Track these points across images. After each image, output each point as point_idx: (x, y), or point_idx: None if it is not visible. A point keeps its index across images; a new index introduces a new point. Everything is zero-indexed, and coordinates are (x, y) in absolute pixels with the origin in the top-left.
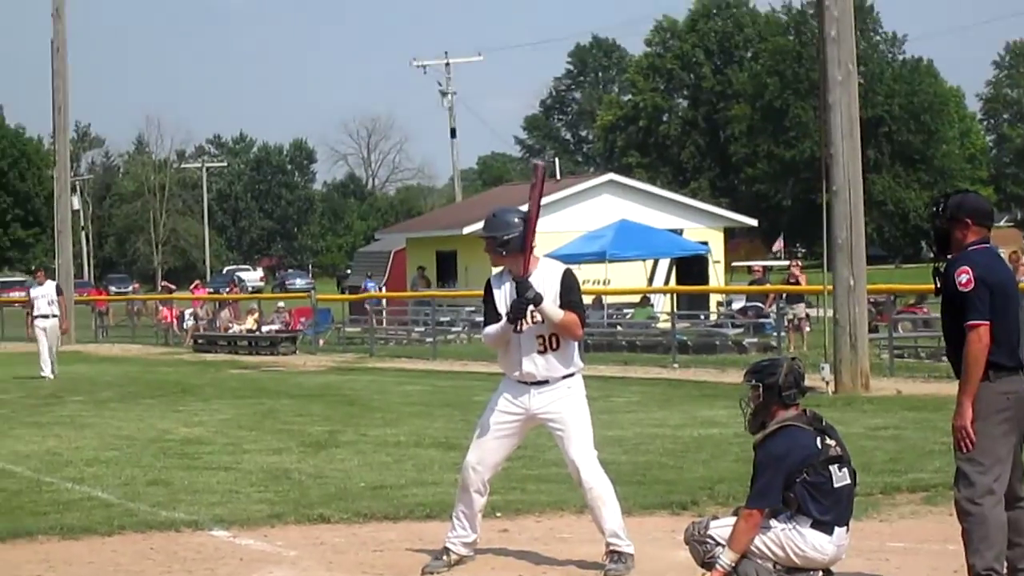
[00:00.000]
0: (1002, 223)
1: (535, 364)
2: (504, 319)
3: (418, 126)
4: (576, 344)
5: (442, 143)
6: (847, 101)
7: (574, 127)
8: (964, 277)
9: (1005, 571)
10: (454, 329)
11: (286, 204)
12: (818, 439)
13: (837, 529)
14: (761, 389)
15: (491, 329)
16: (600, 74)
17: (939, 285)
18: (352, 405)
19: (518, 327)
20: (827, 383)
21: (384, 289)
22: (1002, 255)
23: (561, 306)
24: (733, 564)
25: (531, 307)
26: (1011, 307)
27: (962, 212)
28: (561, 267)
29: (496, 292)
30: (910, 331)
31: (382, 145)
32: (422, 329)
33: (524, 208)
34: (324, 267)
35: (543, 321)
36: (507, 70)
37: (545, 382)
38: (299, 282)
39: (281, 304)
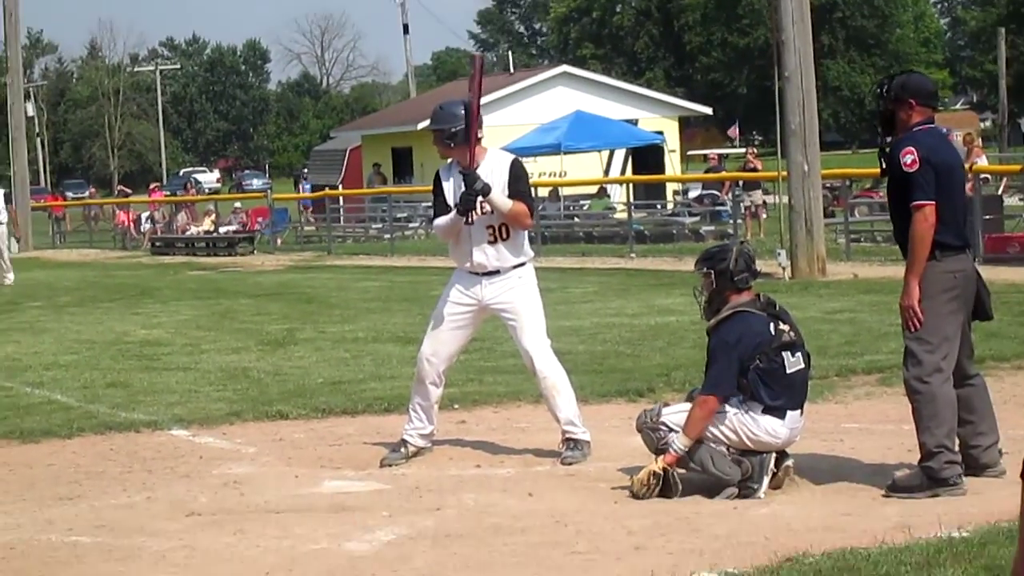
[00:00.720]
0: (958, 106)
1: (485, 254)
2: (453, 211)
3: (371, 23)
4: (526, 233)
5: (395, 40)
6: None
7: (528, 20)
8: (909, 158)
9: (956, 448)
10: (411, 225)
11: (241, 105)
12: (771, 324)
13: (790, 413)
14: (713, 275)
15: (441, 220)
16: None
17: (884, 166)
18: (310, 303)
19: (468, 219)
20: (784, 268)
21: (340, 187)
22: (955, 137)
23: (509, 196)
24: (686, 448)
25: (480, 198)
26: (956, 187)
27: (906, 93)
28: (509, 157)
29: (445, 184)
30: (866, 215)
31: (336, 43)
32: (379, 226)
33: (469, 100)
34: (280, 167)
35: (492, 212)
36: None
37: (496, 272)
38: (256, 182)
39: (238, 205)
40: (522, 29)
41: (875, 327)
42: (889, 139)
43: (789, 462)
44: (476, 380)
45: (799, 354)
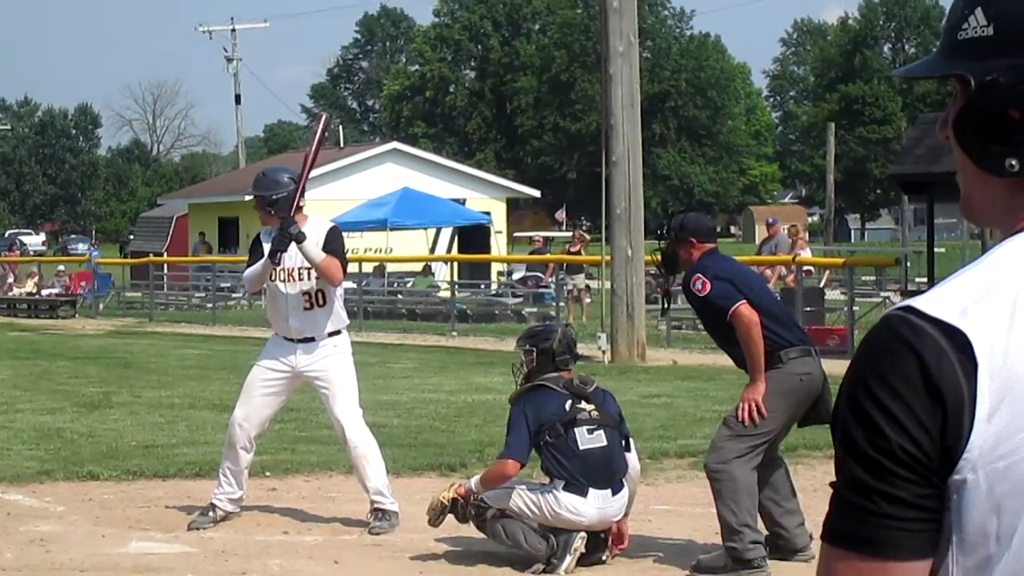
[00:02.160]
0: (786, 200)
1: (301, 321)
2: (265, 255)
3: (204, 92)
4: (342, 301)
5: (228, 110)
6: (628, 72)
7: (361, 96)
8: (699, 283)
9: (760, 529)
10: (235, 295)
11: (70, 169)
12: (568, 402)
13: (593, 491)
14: (535, 354)
15: (251, 268)
16: (388, 44)
17: (666, 306)
18: (128, 368)
19: (276, 259)
20: (604, 352)
21: (165, 255)
22: (781, 228)
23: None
24: (478, 491)
25: (293, 243)
26: (762, 289)
27: (686, 232)
28: (328, 224)
29: (265, 245)
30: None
31: (168, 111)
32: (202, 295)
33: (294, 169)
34: (108, 233)
35: (307, 278)
36: (294, 38)
37: (311, 339)
38: (82, 247)
39: (61, 268)
40: (355, 105)
41: (691, 412)
42: (671, 276)
43: (604, 555)
44: (289, 449)
45: (600, 432)
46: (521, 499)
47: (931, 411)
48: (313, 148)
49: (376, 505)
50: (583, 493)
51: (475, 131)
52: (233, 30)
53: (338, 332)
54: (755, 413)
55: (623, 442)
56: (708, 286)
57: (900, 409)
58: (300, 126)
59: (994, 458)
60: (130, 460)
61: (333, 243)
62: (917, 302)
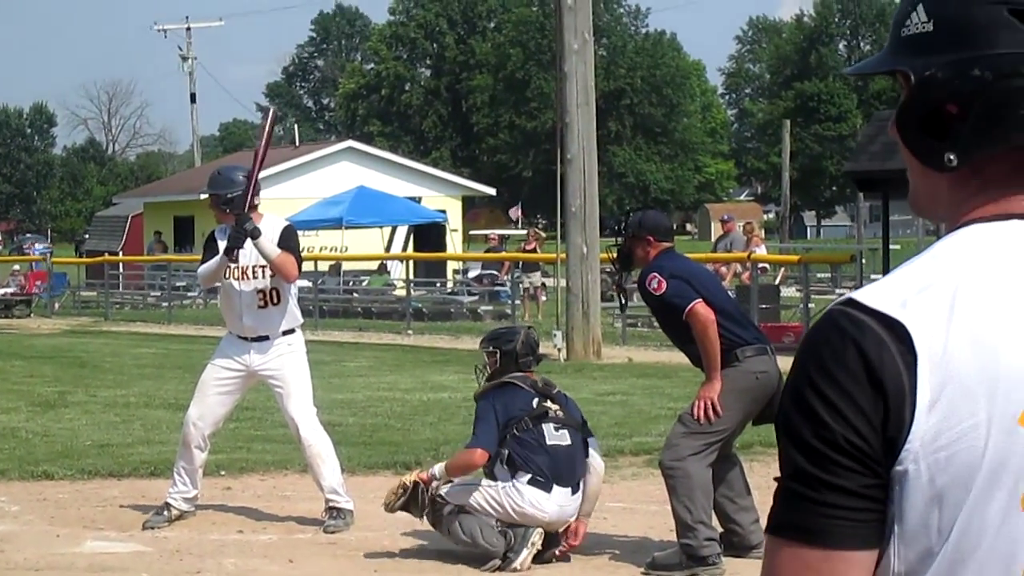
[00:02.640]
0: (742, 197)
1: (255, 319)
2: (220, 252)
3: (159, 91)
4: (295, 300)
5: (183, 109)
6: (583, 70)
7: (316, 95)
8: (654, 282)
9: (715, 526)
10: (190, 294)
11: (25, 168)
12: (536, 399)
13: (557, 488)
14: (498, 355)
15: (206, 265)
16: (343, 42)
17: (624, 302)
18: (84, 367)
19: (233, 255)
20: (559, 350)
21: (121, 254)
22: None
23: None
24: (441, 477)
25: (248, 239)
26: (717, 289)
27: (643, 230)
28: (283, 222)
29: (219, 242)
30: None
31: (123, 110)
32: (158, 293)
33: (248, 167)
34: (63, 232)
35: (262, 276)
36: (249, 36)
37: (266, 338)
38: (37, 247)
39: (16, 267)
40: (310, 103)
41: (646, 410)
42: (627, 272)
43: (557, 551)
44: (244, 448)
45: (565, 432)
46: (482, 495)
47: (873, 402)
48: (263, 143)
49: (331, 504)
50: (547, 489)
51: (431, 129)
52: (188, 28)
53: (292, 331)
54: (711, 411)
55: (585, 445)
56: (664, 285)
57: (842, 400)
58: (256, 124)
59: (935, 449)
60: (85, 459)
61: (288, 240)
62: (859, 295)
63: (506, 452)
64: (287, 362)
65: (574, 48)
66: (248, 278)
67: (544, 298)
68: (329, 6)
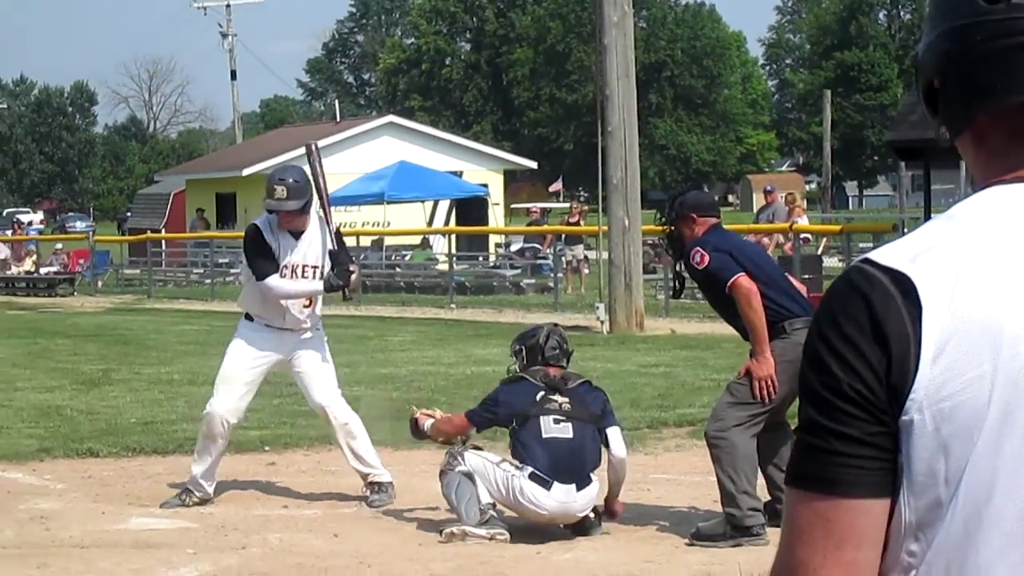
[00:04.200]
0: (783, 168)
1: (299, 317)
2: (311, 282)
3: (200, 69)
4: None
5: (224, 86)
6: (623, 42)
7: (357, 70)
8: (697, 256)
9: (759, 497)
10: (233, 271)
11: (67, 147)
12: (541, 393)
13: (557, 485)
14: (524, 352)
15: (287, 286)
16: (383, 17)
17: (678, 288)
18: (127, 345)
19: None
20: (602, 322)
21: (163, 231)
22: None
23: (340, 263)
24: (427, 430)
25: (300, 239)
26: (765, 261)
27: (685, 209)
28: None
29: (270, 241)
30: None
31: (164, 88)
32: (201, 271)
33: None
34: (105, 210)
35: (314, 277)
36: (289, 12)
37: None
38: (80, 225)
39: (59, 246)
40: (351, 79)
41: (689, 381)
42: (681, 262)
43: (598, 529)
44: (288, 423)
45: (567, 425)
46: (494, 474)
47: (878, 353)
48: (321, 179)
49: (371, 478)
50: (547, 486)
51: (471, 103)
52: (228, 5)
53: (318, 328)
54: (769, 390)
55: (601, 437)
56: (707, 259)
57: (848, 350)
58: (297, 101)
59: (939, 399)
60: (129, 437)
61: (346, 250)
62: (874, 253)
63: (512, 444)
64: (313, 347)
65: (614, 20)
66: (298, 277)
67: (587, 271)
68: None
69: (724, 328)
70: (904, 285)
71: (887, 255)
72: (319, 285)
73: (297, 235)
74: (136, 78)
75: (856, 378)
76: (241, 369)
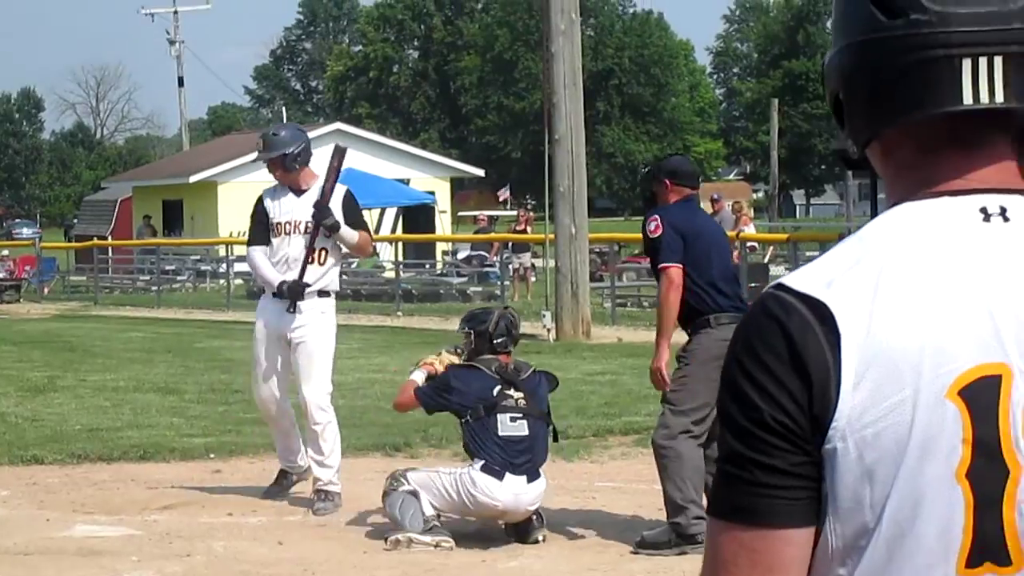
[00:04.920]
0: (731, 176)
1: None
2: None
3: (147, 75)
4: (338, 268)
5: (171, 92)
6: (570, 50)
7: (304, 77)
8: (652, 224)
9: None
10: (179, 278)
11: (13, 153)
12: (497, 387)
13: (510, 476)
14: (473, 336)
15: (262, 269)
16: (331, 24)
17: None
18: (73, 351)
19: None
20: (548, 330)
21: (110, 238)
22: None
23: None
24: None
25: (328, 233)
26: (715, 252)
27: (661, 173)
28: (342, 188)
29: (269, 204)
30: (634, 280)
31: (111, 94)
32: (147, 278)
33: (299, 127)
34: (52, 217)
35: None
36: (237, 19)
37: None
38: (26, 231)
39: (5, 252)
40: (299, 86)
41: (635, 389)
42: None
43: (540, 535)
44: (234, 431)
45: (523, 422)
46: (440, 481)
47: (798, 382)
48: (332, 176)
49: (321, 486)
50: (499, 477)
51: (419, 111)
52: (175, 12)
53: (328, 294)
54: (660, 382)
55: (550, 432)
56: (660, 230)
57: (769, 381)
58: (244, 108)
59: (861, 426)
60: (75, 444)
61: (355, 213)
62: (788, 278)
63: (463, 436)
64: (316, 330)
65: (561, 28)
66: (299, 233)
67: (533, 279)
68: None
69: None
70: (821, 312)
71: (802, 280)
72: (287, 276)
73: (299, 193)
74: (83, 84)
75: (778, 408)
76: (257, 349)
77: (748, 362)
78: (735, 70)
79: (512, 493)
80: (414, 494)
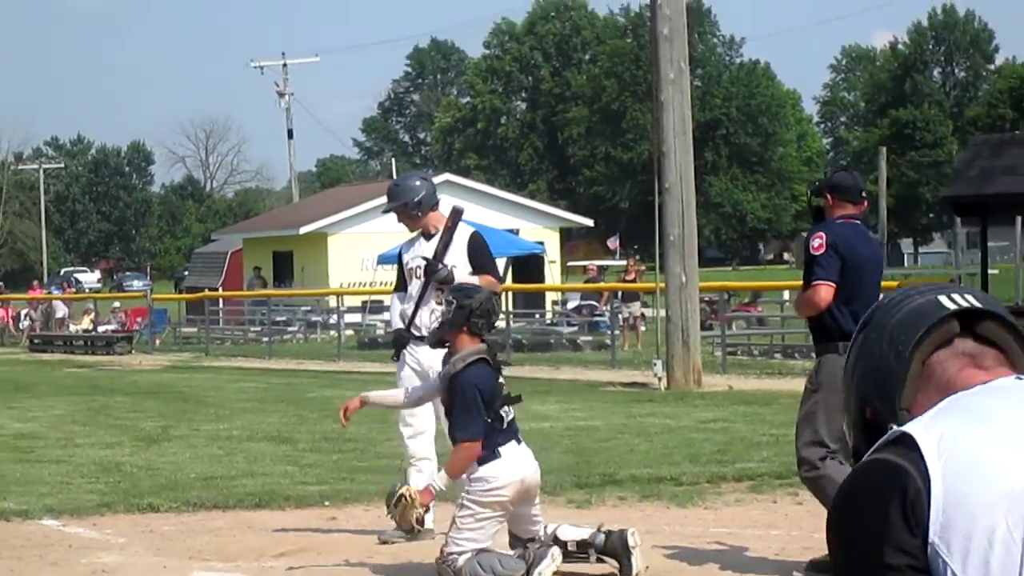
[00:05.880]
0: None
1: (431, 316)
2: (403, 306)
3: (256, 128)
4: None
5: (280, 145)
6: (679, 99)
7: (412, 129)
8: (816, 241)
9: None
10: (290, 329)
11: (124, 206)
12: (499, 379)
13: (501, 450)
14: (454, 306)
15: (393, 312)
16: (439, 76)
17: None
18: (186, 402)
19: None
20: (659, 379)
21: (220, 290)
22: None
23: (474, 270)
24: (445, 487)
25: (440, 287)
26: (867, 281)
27: (825, 187)
28: (468, 231)
29: (405, 256)
30: (743, 329)
31: (220, 147)
32: (258, 328)
33: (422, 174)
34: (162, 269)
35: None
36: (345, 72)
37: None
38: (137, 284)
39: (117, 304)
40: (407, 138)
41: (748, 436)
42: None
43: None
44: (348, 479)
45: (510, 409)
46: (472, 517)
47: (914, 539)
48: (444, 238)
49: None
50: (496, 455)
51: (527, 162)
52: (284, 65)
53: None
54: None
55: None
56: (823, 249)
57: (889, 534)
58: (353, 160)
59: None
60: (190, 492)
61: (481, 255)
62: (886, 448)
63: None
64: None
65: (670, 77)
66: (418, 277)
67: (643, 328)
68: (424, 40)
69: (782, 384)
70: (922, 471)
71: (910, 438)
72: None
73: (428, 237)
74: (193, 137)
75: (909, 557)
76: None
77: (862, 516)
78: (842, 119)
79: (514, 460)
80: (478, 551)
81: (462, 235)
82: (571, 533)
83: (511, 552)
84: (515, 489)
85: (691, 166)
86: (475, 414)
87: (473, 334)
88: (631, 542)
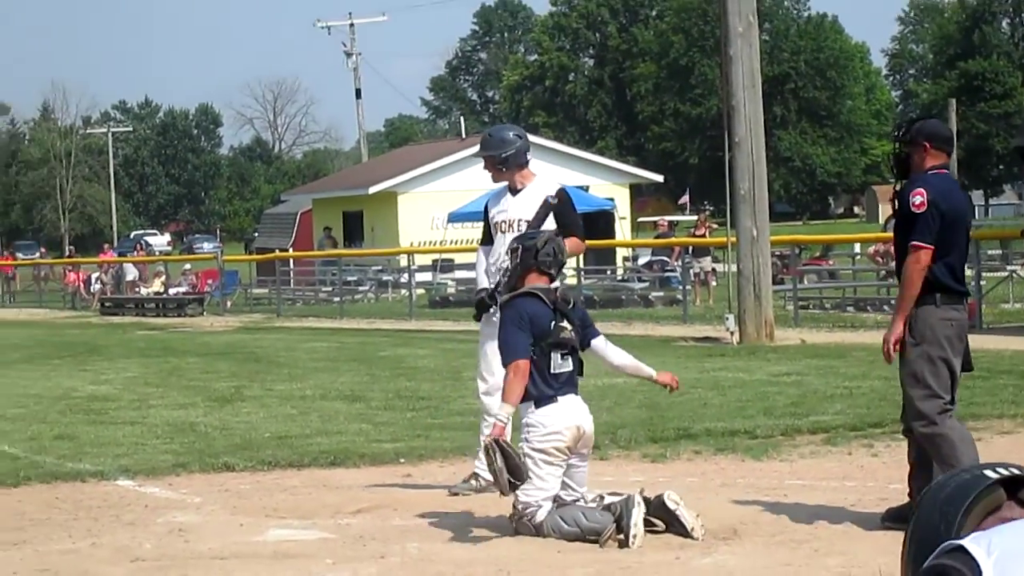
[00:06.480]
0: None
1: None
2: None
3: (324, 88)
4: None
5: (348, 105)
6: (748, 53)
7: (480, 88)
8: (918, 199)
9: None
10: (361, 288)
11: (193, 169)
12: (553, 321)
13: (561, 398)
14: (520, 251)
15: (478, 270)
16: (506, 34)
17: (896, 206)
18: (258, 362)
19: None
20: (732, 333)
21: (291, 250)
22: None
23: (559, 231)
24: (508, 417)
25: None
26: (961, 235)
27: (920, 136)
28: (556, 185)
29: (491, 210)
30: (815, 283)
31: (288, 108)
32: (329, 289)
33: (517, 130)
34: (232, 231)
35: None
36: (412, 30)
37: None
38: (207, 246)
39: (188, 266)
40: (475, 96)
41: (821, 389)
42: (903, 181)
43: (667, 497)
44: (423, 436)
45: (570, 358)
46: (537, 469)
47: None
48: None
49: (478, 472)
50: (554, 400)
51: (595, 119)
52: (351, 24)
53: None
54: (888, 354)
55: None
56: (924, 207)
57: None
58: (421, 119)
59: None
60: (264, 451)
61: (568, 214)
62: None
63: None
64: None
65: (739, 31)
66: (513, 231)
67: (715, 283)
68: None
69: (854, 337)
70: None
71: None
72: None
73: (515, 192)
74: (260, 99)
75: None
76: (484, 346)
77: None
78: (911, 72)
79: (570, 407)
80: (553, 500)
81: (546, 189)
82: (613, 500)
83: (592, 504)
84: (573, 435)
85: (760, 120)
86: (518, 334)
87: (542, 273)
88: (671, 505)
